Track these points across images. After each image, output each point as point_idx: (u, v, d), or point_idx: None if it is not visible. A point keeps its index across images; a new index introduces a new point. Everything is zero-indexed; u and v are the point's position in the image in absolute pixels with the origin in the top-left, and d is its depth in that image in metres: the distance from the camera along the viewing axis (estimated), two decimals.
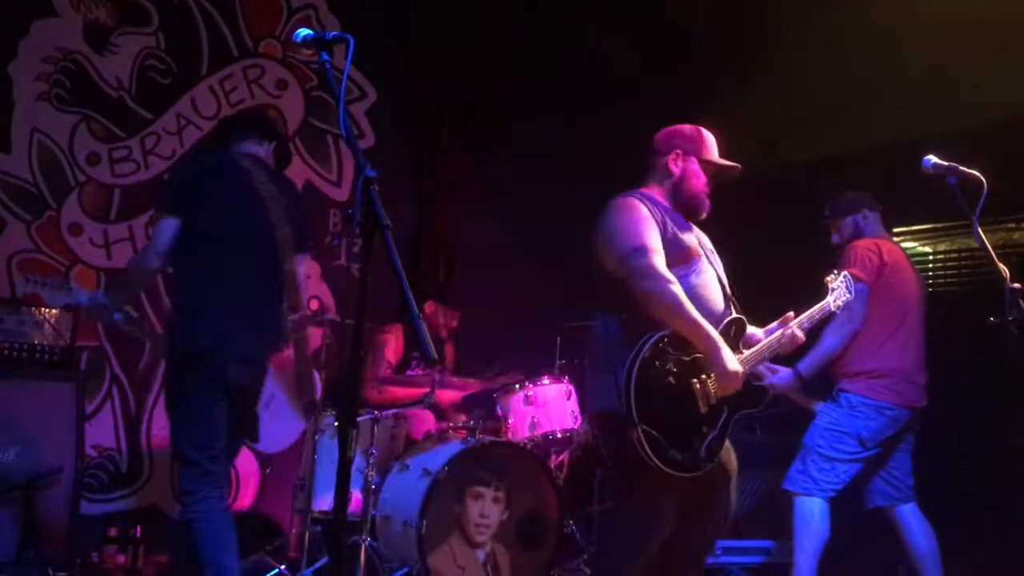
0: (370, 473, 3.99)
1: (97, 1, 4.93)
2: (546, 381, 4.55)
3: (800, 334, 3.01)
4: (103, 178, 4.94)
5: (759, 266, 4.40)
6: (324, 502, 4.19)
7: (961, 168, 2.94)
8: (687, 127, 3.18)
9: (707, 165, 3.10)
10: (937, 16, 5.23)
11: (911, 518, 3.89)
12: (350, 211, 1.84)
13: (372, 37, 5.61)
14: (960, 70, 5.05)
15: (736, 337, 2.93)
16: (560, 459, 4.69)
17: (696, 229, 3.15)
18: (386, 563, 4.02)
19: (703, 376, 2.82)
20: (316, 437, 4.21)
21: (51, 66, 4.80)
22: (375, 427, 4.16)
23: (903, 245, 4.67)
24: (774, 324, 3.05)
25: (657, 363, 2.76)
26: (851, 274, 3.35)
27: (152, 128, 5.06)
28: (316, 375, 3.30)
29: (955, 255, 5.24)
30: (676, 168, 3.10)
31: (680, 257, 2.93)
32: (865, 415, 3.81)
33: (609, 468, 3.09)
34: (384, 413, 4.29)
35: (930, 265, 5.29)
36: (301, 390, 3.22)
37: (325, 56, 2.18)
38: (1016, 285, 2.81)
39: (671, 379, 2.78)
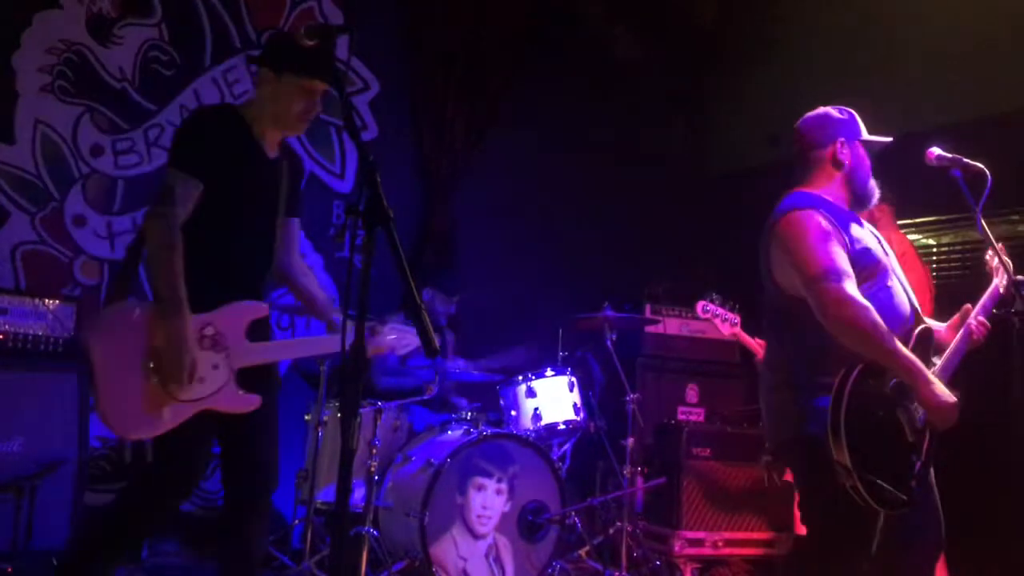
0: (373, 464, 4.00)
1: None
2: (549, 372, 4.55)
3: (986, 323, 2.80)
4: (107, 170, 4.95)
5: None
6: (327, 493, 4.20)
7: (965, 160, 2.92)
8: (832, 110, 2.87)
9: (868, 145, 2.85)
10: (940, 8, 5.23)
11: None
12: (353, 202, 1.83)
13: (375, 29, 5.61)
14: (964, 62, 5.05)
15: (927, 348, 2.72)
16: (562, 450, 4.70)
17: (868, 225, 2.88)
18: (389, 554, 4.03)
19: (906, 403, 2.62)
20: (319, 428, 4.22)
21: (54, 57, 4.80)
22: (377, 418, 4.17)
23: (907, 238, 4.68)
24: (955, 318, 2.85)
25: (863, 397, 2.53)
26: None
27: (156, 120, 5.06)
28: None
29: (959, 247, 5.23)
30: (845, 157, 2.80)
31: (868, 271, 2.69)
32: None
33: (802, 497, 2.81)
34: (386, 404, 4.30)
35: (934, 257, 5.28)
36: None
37: None
38: (1020, 277, 2.80)
39: (879, 412, 2.58)
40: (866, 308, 2.55)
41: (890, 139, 2.90)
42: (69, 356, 4.18)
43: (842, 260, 2.63)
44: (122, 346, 2.63)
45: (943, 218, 5.20)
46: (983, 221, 2.84)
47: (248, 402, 2.75)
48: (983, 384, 3.75)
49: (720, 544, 4.73)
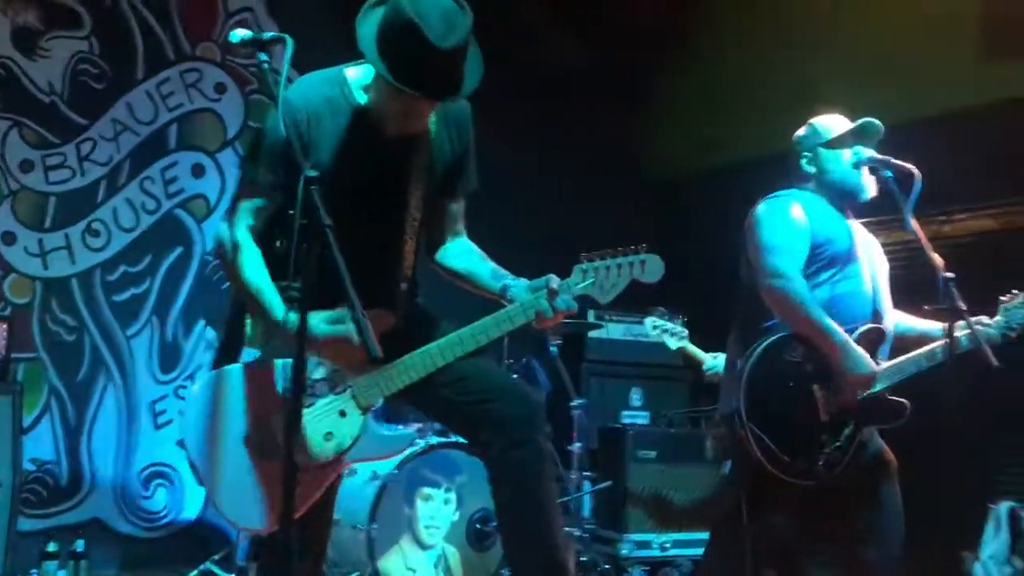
0: None
1: (25, 4, 4.81)
2: None
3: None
4: (37, 186, 4.82)
5: (705, 265, 4.44)
6: None
7: (895, 161, 3.01)
8: (802, 129, 3.13)
9: (838, 142, 3.03)
10: (873, 13, 5.38)
11: None
12: (291, 212, 1.82)
13: (312, 40, 5.55)
14: (895, 66, 5.20)
15: (871, 347, 2.83)
16: None
17: (862, 232, 3.09)
18: (335, 567, 3.99)
19: (828, 383, 2.75)
20: None
21: None
22: None
23: None
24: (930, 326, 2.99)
25: (776, 363, 2.71)
26: None
27: (88, 134, 4.95)
28: None
29: (888, 248, 5.37)
30: (811, 168, 3.05)
31: (830, 261, 2.88)
32: None
33: (731, 471, 3.05)
34: None
35: None
36: None
37: (263, 56, 2.16)
38: (949, 274, 2.89)
39: (789, 381, 2.73)
40: (796, 282, 2.73)
41: (861, 122, 3.04)
42: (1, 378, 4.07)
43: (790, 240, 2.82)
44: (216, 419, 2.24)
45: (872, 220, 5.32)
46: (913, 220, 2.92)
47: (396, 444, 2.38)
48: (913, 382, 3.86)
49: (667, 546, 4.78)
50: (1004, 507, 4.15)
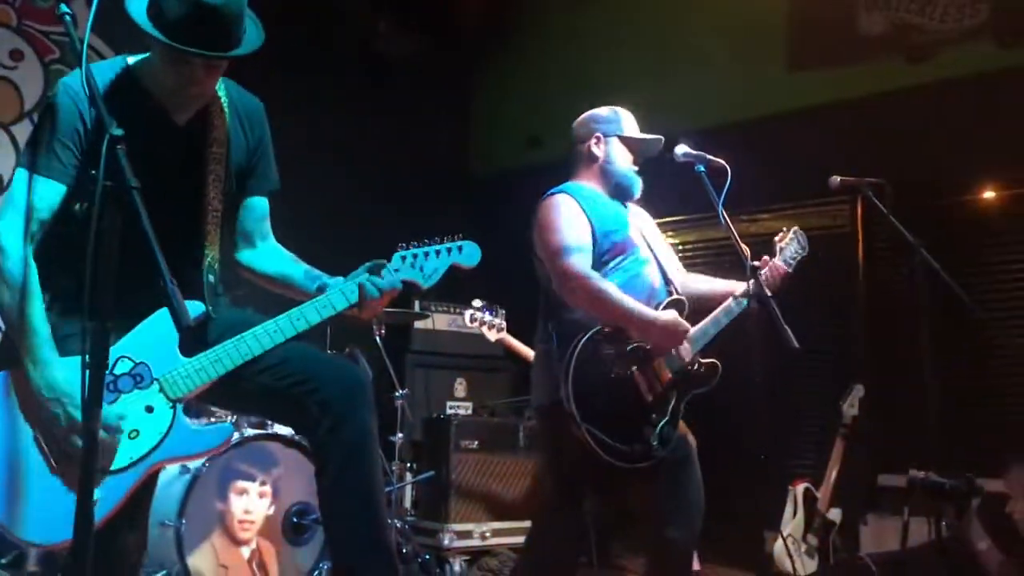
0: None
1: None
2: None
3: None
4: None
5: (527, 260, 4.50)
6: None
7: (708, 156, 3.15)
8: (603, 109, 3.15)
9: (629, 142, 3.09)
10: (691, 23, 5.63)
11: None
12: (93, 172, 1.68)
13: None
14: (710, 72, 5.46)
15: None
16: None
17: (636, 211, 3.13)
18: (142, 567, 3.76)
19: (645, 364, 2.81)
20: None
21: None
22: None
23: None
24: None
25: (595, 359, 2.74)
26: None
27: None
28: None
29: (702, 245, 5.67)
30: (599, 152, 3.08)
31: (614, 249, 2.93)
32: None
33: (543, 456, 3.05)
34: None
35: (680, 254, 5.66)
36: None
37: (64, 8, 1.99)
38: (755, 263, 3.05)
39: (611, 373, 2.77)
40: (589, 277, 2.80)
41: (653, 137, 3.15)
42: None
43: (576, 238, 2.87)
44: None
45: (687, 217, 5.56)
46: (724, 213, 3.06)
47: (211, 440, 2.23)
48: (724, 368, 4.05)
49: (488, 535, 4.81)
50: (800, 489, 4.44)
